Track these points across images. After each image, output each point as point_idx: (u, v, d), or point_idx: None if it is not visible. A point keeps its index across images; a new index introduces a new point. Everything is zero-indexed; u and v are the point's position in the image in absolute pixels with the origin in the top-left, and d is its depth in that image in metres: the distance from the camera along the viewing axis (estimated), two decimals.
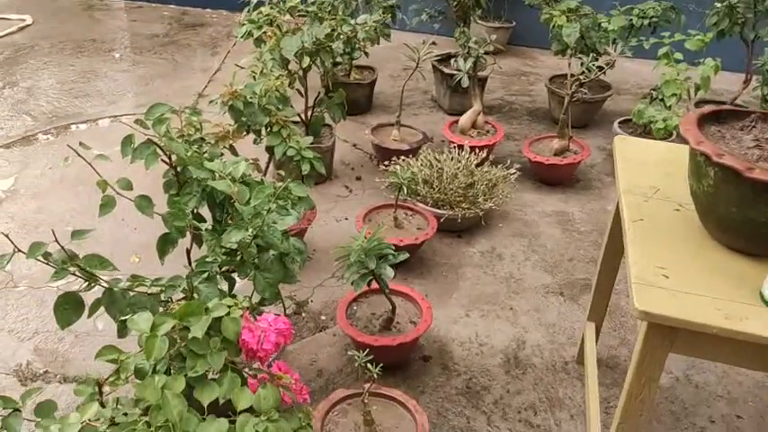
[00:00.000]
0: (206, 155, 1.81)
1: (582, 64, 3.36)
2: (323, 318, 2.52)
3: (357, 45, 3.39)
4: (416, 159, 3.16)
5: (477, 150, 3.19)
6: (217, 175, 1.69)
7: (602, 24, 3.64)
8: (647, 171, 1.77)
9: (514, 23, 5.32)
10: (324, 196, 3.26)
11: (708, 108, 1.57)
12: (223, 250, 1.62)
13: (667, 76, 3.37)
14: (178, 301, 1.61)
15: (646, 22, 3.70)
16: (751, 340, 1.23)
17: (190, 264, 1.80)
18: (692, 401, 2.20)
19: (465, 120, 3.60)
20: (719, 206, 1.41)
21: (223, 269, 1.67)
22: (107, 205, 1.53)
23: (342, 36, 3.19)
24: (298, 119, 3.02)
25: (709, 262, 1.42)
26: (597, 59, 3.45)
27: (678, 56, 3.36)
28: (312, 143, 2.53)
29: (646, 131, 3.40)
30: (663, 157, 1.84)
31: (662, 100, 3.37)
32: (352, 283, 2.08)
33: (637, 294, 1.30)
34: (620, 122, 3.67)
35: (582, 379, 2.26)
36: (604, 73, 3.42)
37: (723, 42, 3.49)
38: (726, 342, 1.26)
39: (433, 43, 3.68)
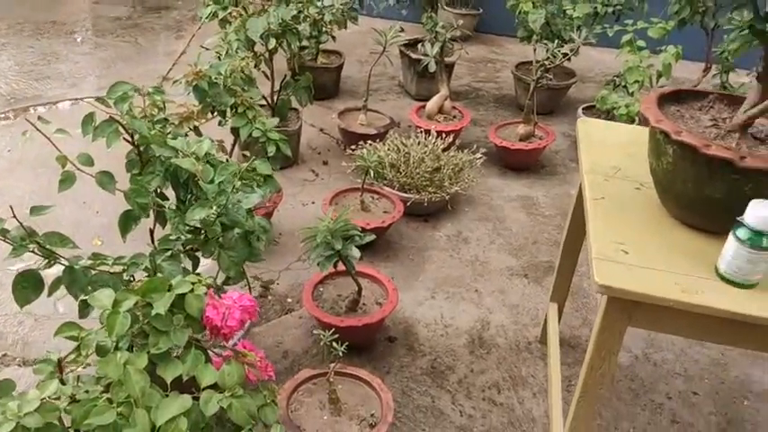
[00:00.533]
0: (170, 135, 1.78)
1: (547, 50, 3.39)
2: (289, 300, 2.51)
3: (324, 28, 3.38)
4: (383, 144, 3.16)
5: (443, 135, 3.21)
6: (180, 153, 1.68)
7: (568, 11, 3.68)
8: (609, 152, 1.80)
9: (481, 11, 5.34)
10: (290, 180, 3.25)
11: (668, 88, 1.60)
12: (187, 228, 1.60)
13: (630, 63, 3.44)
14: (140, 280, 1.59)
15: (610, 9, 3.74)
16: (706, 312, 1.26)
17: (153, 243, 1.78)
18: (651, 379, 2.25)
19: (432, 105, 3.61)
20: (678, 183, 1.44)
21: (187, 248, 1.66)
22: (66, 181, 1.49)
23: (308, 18, 3.18)
24: (264, 102, 3.00)
25: (668, 238, 1.45)
26: (562, 46, 3.48)
27: (641, 43, 3.42)
28: (278, 126, 2.51)
29: (609, 117, 3.44)
30: (624, 138, 1.88)
31: (625, 87, 3.43)
32: (318, 264, 2.07)
33: (597, 269, 1.33)
34: (584, 109, 3.72)
35: (544, 358, 2.30)
36: (569, 59, 3.46)
37: (684, 31, 3.54)
38: (682, 315, 1.29)
39: (401, 30, 3.68)
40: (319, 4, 3.25)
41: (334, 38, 3.50)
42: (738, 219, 1.27)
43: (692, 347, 2.39)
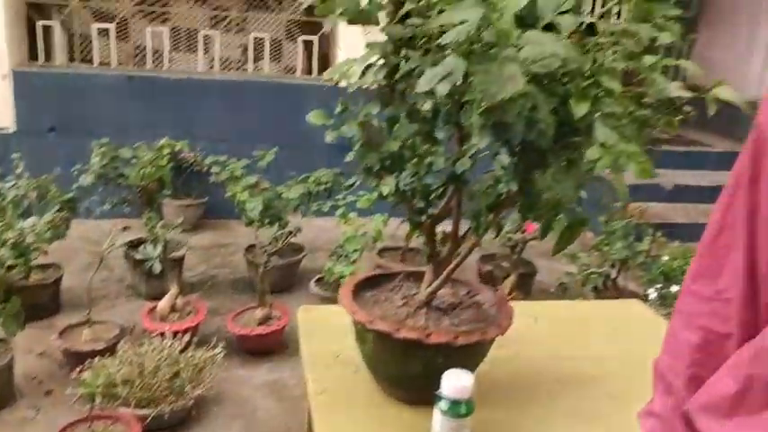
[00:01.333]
0: None
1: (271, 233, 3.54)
2: None
3: (31, 247, 3.17)
4: (113, 358, 2.94)
5: (180, 334, 3.08)
6: None
7: (284, 194, 3.91)
8: (328, 338, 1.85)
9: (207, 198, 5.44)
10: (4, 424, 2.83)
11: (360, 276, 1.73)
12: None
13: (348, 233, 3.72)
14: None
15: (321, 187, 4.07)
16: None
17: None
18: None
19: (163, 305, 3.49)
20: (383, 364, 1.53)
21: None
22: None
23: (8, 242, 2.95)
24: None
25: (385, 418, 1.50)
26: (285, 227, 3.66)
27: (353, 214, 3.74)
28: None
29: (338, 286, 3.63)
30: (342, 321, 1.95)
31: (347, 256, 3.67)
32: None
33: None
34: (315, 281, 3.88)
35: None
36: (295, 236, 3.64)
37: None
38: None
39: (125, 228, 3.59)
40: (19, 225, 3.06)
41: (46, 252, 3.29)
42: (436, 392, 1.37)
43: None
